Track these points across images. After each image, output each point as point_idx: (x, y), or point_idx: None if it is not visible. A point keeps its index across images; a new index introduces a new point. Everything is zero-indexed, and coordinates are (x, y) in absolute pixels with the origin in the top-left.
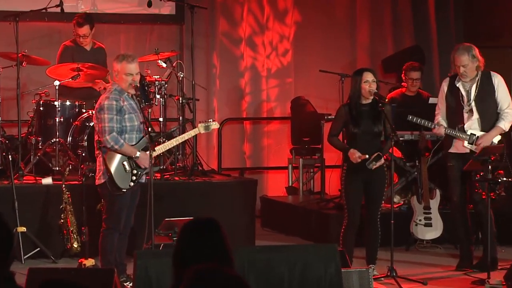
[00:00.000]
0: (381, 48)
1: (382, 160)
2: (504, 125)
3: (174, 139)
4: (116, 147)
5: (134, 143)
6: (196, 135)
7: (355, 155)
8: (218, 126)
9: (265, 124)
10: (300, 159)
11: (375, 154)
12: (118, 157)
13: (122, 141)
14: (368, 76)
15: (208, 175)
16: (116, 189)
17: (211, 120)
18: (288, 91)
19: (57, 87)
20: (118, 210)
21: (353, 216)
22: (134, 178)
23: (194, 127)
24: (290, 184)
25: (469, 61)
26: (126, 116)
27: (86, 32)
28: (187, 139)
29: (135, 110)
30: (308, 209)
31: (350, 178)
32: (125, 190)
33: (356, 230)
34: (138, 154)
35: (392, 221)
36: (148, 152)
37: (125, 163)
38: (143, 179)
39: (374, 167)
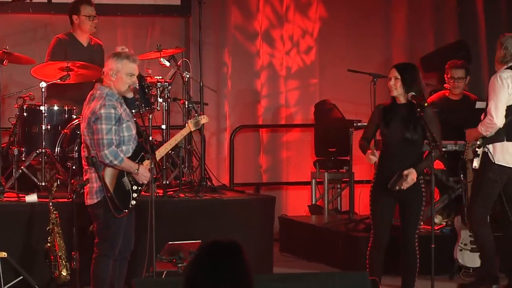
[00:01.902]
0: (420, 44)
1: (409, 181)
2: (479, 127)
3: (167, 143)
4: (115, 162)
5: (129, 155)
6: (204, 145)
7: (371, 158)
8: (207, 120)
9: (284, 132)
10: (325, 173)
11: (397, 174)
12: (116, 173)
13: (122, 155)
14: (391, 73)
15: (218, 192)
16: (117, 210)
17: (196, 114)
18: (311, 94)
19: (43, 89)
20: (114, 234)
21: (378, 236)
22: (135, 195)
23: (202, 135)
24: (313, 202)
25: (496, 50)
26: (124, 125)
27: (95, 11)
28: (194, 149)
29: (131, 117)
30: (334, 231)
31: (378, 193)
32: (126, 211)
33: (382, 252)
34: (138, 168)
35: (433, 245)
36: (147, 164)
37: (124, 179)
38: None
39: (397, 188)
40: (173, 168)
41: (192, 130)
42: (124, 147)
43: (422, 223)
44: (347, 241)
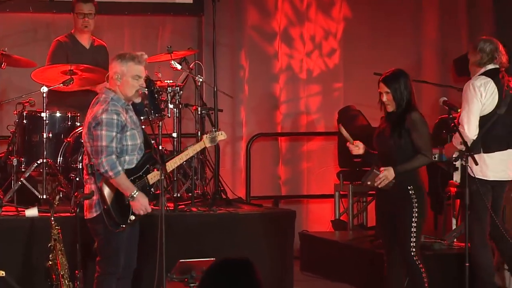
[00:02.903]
0: (453, 45)
1: (382, 177)
2: (453, 140)
3: (177, 157)
4: (110, 174)
5: (133, 166)
6: (218, 155)
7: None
8: (225, 137)
9: (305, 141)
10: (350, 186)
11: (370, 168)
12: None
13: (119, 168)
14: (380, 88)
15: (234, 205)
16: (114, 225)
17: (214, 129)
18: (334, 99)
19: (44, 94)
20: (115, 250)
21: (387, 253)
22: None
23: (216, 144)
24: (337, 217)
25: (470, 55)
26: (128, 133)
27: (92, 10)
28: (207, 159)
29: (137, 125)
30: (359, 248)
31: (376, 207)
32: (124, 226)
33: (397, 268)
34: (135, 193)
35: (467, 264)
36: (152, 177)
37: None
38: None
39: (369, 183)
40: (184, 179)
41: (207, 146)
42: (127, 157)
43: (455, 240)
44: (374, 259)
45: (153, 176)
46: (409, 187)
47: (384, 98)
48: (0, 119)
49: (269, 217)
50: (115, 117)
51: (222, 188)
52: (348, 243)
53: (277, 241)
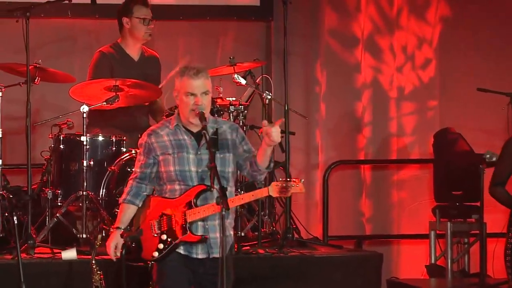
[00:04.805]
0: None
1: None
2: None
3: (238, 197)
4: (121, 198)
5: (173, 198)
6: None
7: None
8: (303, 190)
9: (394, 170)
10: (449, 224)
11: None
12: (146, 212)
13: (127, 197)
14: None
15: (309, 247)
16: (134, 260)
17: (292, 180)
18: (429, 120)
19: (85, 115)
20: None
21: None
22: (161, 246)
23: (286, 173)
24: (433, 261)
25: None
26: (161, 157)
27: (150, 16)
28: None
29: (184, 149)
30: None
31: None
32: (150, 263)
33: None
34: (115, 229)
35: None
36: (116, 243)
37: (154, 221)
38: (214, 250)
39: None
40: (249, 216)
41: (273, 196)
42: (168, 186)
43: None
44: None
45: (193, 213)
46: None
47: None
48: (33, 144)
49: (350, 261)
50: (145, 138)
51: (294, 226)
52: None
53: None
